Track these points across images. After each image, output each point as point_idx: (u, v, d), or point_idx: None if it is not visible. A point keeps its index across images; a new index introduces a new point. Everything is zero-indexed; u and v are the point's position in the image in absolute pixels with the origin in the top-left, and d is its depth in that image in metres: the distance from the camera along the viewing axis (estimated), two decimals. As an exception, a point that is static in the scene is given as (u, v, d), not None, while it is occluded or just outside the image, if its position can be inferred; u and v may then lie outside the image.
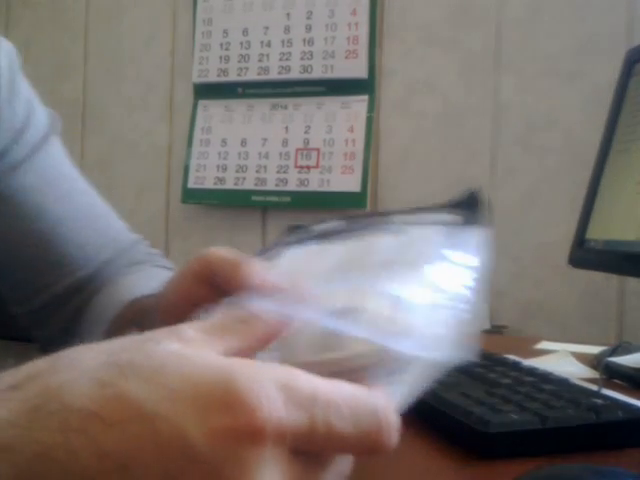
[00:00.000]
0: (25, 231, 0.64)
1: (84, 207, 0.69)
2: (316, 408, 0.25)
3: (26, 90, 0.67)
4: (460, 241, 0.38)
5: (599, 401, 0.50)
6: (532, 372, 0.59)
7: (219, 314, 0.29)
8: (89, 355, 0.26)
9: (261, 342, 0.29)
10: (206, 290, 0.40)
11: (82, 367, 0.25)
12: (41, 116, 0.68)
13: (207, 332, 0.28)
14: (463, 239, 0.38)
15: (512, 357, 0.69)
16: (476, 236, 0.39)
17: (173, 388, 0.24)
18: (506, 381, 0.55)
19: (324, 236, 0.44)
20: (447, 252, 0.37)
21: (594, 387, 0.58)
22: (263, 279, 0.36)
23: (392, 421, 0.27)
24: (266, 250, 0.43)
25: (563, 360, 0.80)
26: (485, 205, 0.43)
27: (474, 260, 0.37)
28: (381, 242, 0.39)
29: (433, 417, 0.51)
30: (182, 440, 0.23)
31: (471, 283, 0.37)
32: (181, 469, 0.23)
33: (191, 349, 0.26)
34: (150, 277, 0.67)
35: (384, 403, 0.27)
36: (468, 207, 0.42)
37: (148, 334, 0.27)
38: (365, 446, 0.26)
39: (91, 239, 0.67)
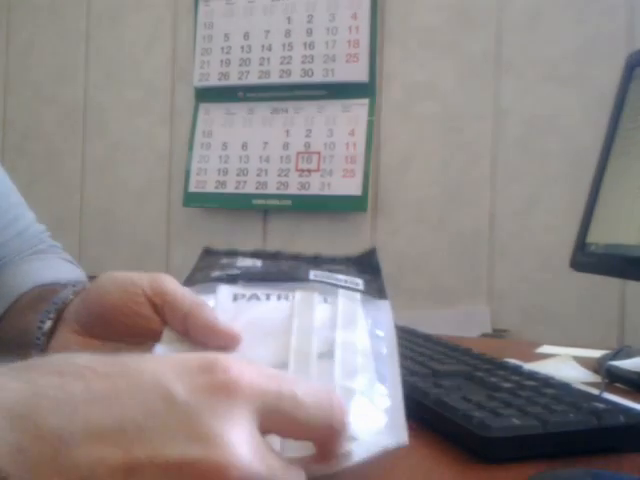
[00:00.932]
0: None
1: None
2: (283, 380, 0.29)
3: None
4: (374, 312, 0.45)
5: (600, 405, 0.50)
6: (533, 376, 0.59)
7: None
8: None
9: None
10: (148, 312, 0.44)
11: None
12: None
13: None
14: (376, 310, 0.45)
15: (513, 361, 0.69)
16: (385, 308, 0.45)
17: (160, 360, 0.28)
18: (507, 385, 0.55)
19: (249, 278, 0.48)
20: (365, 322, 0.43)
21: (595, 391, 0.58)
22: (212, 329, 0.41)
23: (343, 404, 0.31)
24: (193, 280, 0.49)
25: (564, 364, 0.80)
26: (380, 265, 0.51)
27: (386, 331, 0.43)
28: (310, 309, 0.44)
29: (434, 421, 0.51)
30: (164, 389, 0.26)
31: (384, 351, 0.42)
32: (160, 412, 0.26)
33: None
34: (56, 266, 0.69)
35: (335, 393, 0.31)
36: (369, 265, 0.50)
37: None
38: (323, 422, 0.30)
39: (1, 227, 0.69)
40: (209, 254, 0.54)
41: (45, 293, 0.56)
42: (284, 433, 0.30)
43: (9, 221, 0.70)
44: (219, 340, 0.40)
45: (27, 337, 0.50)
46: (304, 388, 0.30)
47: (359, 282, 0.49)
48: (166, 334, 0.42)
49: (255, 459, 0.27)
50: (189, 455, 0.25)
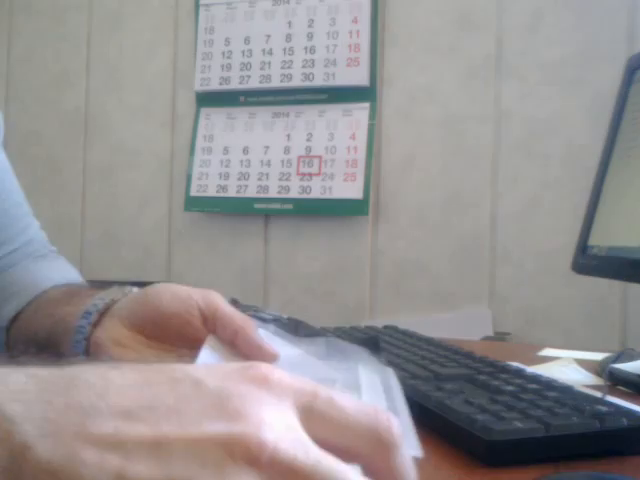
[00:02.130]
0: None
1: (10, 206, 0.73)
2: (320, 387, 0.27)
3: None
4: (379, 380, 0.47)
5: (603, 408, 0.49)
6: (536, 379, 0.59)
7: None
8: None
9: None
10: (198, 323, 0.50)
11: None
12: None
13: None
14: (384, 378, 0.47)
15: (515, 364, 0.69)
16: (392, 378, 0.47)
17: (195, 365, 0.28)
18: (510, 388, 0.55)
19: (278, 326, 0.54)
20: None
21: (598, 394, 0.58)
22: (258, 346, 0.47)
23: (390, 416, 0.28)
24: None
25: (567, 367, 0.80)
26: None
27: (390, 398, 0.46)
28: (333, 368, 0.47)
29: (437, 424, 0.51)
30: (195, 378, 0.26)
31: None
32: (190, 395, 0.25)
33: None
34: (67, 268, 0.75)
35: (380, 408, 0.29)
36: (372, 349, 0.52)
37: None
38: (367, 428, 0.27)
39: (10, 236, 0.72)
40: (235, 304, 0.60)
41: (74, 290, 0.63)
42: (323, 436, 0.26)
43: (21, 229, 0.74)
44: (263, 356, 0.46)
45: (65, 325, 0.56)
46: (343, 396, 0.28)
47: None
48: (210, 338, 0.48)
49: (296, 443, 0.25)
50: (221, 431, 0.24)
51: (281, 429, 0.25)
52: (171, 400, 0.25)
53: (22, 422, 0.24)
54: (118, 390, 0.25)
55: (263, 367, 0.27)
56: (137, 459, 0.24)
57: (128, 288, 0.58)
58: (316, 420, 0.26)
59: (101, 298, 0.56)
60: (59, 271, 0.72)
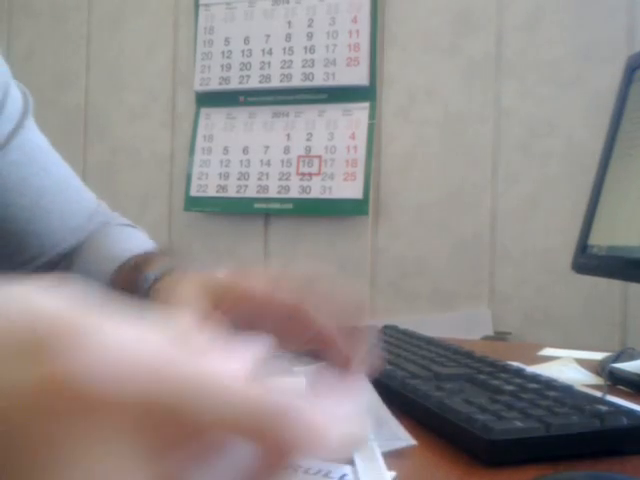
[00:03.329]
0: (10, 205, 0.66)
1: (61, 179, 0.72)
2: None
3: (2, 67, 0.68)
4: None
5: (603, 408, 0.49)
6: (536, 379, 0.59)
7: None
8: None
9: None
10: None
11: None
12: (16, 93, 0.69)
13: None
14: None
15: (516, 364, 0.69)
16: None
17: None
18: (510, 388, 0.55)
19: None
20: None
21: (598, 394, 0.58)
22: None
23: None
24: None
25: (567, 367, 0.80)
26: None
27: None
28: None
29: (436, 424, 0.51)
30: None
31: None
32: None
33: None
34: (134, 236, 0.72)
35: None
36: None
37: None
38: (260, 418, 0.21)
39: (70, 209, 0.71)
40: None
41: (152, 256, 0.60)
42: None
43: (77, 205, 0.72)
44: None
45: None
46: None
47: None
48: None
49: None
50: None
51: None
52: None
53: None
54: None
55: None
56: None
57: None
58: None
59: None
60: (129, 239, 0.71)
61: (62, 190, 0.71)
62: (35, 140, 0.71)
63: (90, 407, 0.20)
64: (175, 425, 0.21)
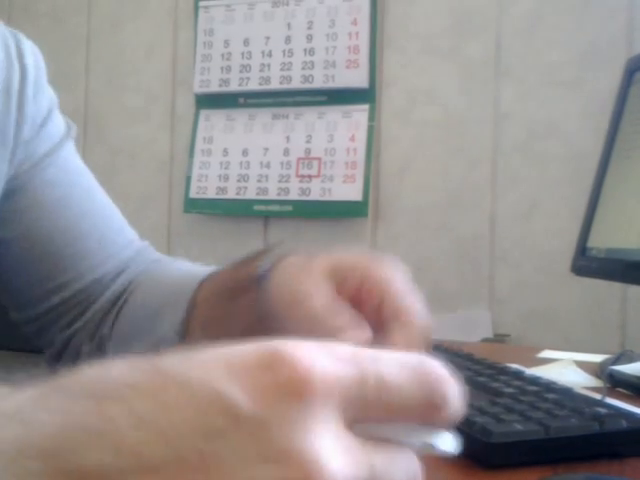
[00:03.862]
0: (45, 226, 0.64)
1: (102, 205, 0.70)
2: (363, 360, 0.23)
3: (48, 89, 0.69)
4: None
5: (603, 410, 0.49)
6: (535, 381, 0.59)
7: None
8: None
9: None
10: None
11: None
12: (59, 117, 0.70)
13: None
14: None
15: (515, 366, 0.69)
16: None
17: (209, 357, 0.22)
18: (509, 390, 0.55)
19: None
20: None
21: (598, 396, 0.58)
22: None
23: (440, 370, 0.25)
24: None
25: (566, 369, 0.80)
26: None
27: None
28: None
29: (436, 427, 0.51)
30: (223, 400, 0.21)
31: None
32: (223, 431, 0.21)
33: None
34: (189, 265, 0.69)
35: (428, 360, 0.25)
36: None
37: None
38: (421, 400, 0.24)
39: (110, 236, 0.68)
40: None
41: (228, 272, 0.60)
42: (378, 420, 0.24)
43: (117, 232, 0.69)
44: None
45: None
46: (390, 363, 0.24)
47: None
48: None
49: (347, 464, 0.22)
50: (268, 479, 0.20)
51: (337, 453, 0.21)
52: (199, 440, 0.20)
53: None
54: (133, 435, 0.20)
55: (288, 364, 0.21)
56: None
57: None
58: (369, 408, 0.23)
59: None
60: (192, 267, 0.68)
61: (103, 216, 0.68)
62: (75, 163, 0.69)
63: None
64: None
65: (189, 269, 0.67)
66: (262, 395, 0.21)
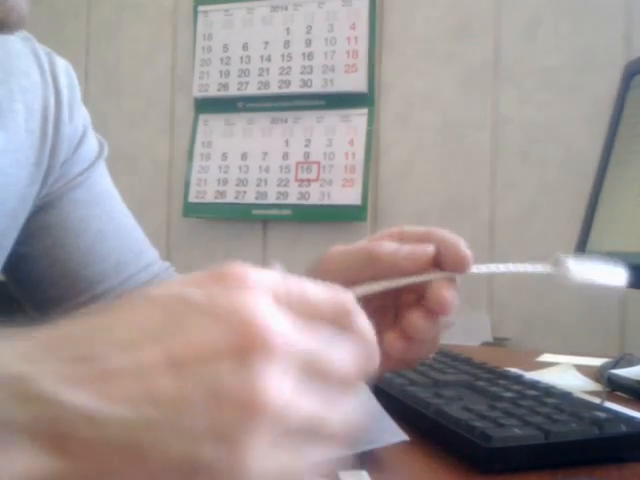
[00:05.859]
0: (66, 245, 0.65)
1: (122, 226, 0.71)
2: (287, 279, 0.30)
3: (82, 108, 0.68)
4: None
5: (602, 415, 0.49)
6: (535, 385, 0.59)
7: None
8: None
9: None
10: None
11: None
12: (93, 137, 0.70)
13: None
14: None
15: (514, 370, 0.69)
16: None
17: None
18: (509, 395, 0.55)
19: None
20: None
21: (597, 400, 0.58)
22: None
23: (355, 308, 0.31)
24: None
25: (566, 373, 0.80)
26: None
27: None
28: None
29: (436, 432, 0.51)
30: (180, 299, 0.27)
31: None
32: (184, 315, 0.27)
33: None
34: None
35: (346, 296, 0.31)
36: None
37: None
38: (334, 306, 0.30)
39: (127, 259, 0.69)
40: None
41: None
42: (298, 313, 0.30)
43: (135, 255, 0.70)
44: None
45: None
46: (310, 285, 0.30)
47: None
48: None
49: (288, 332, 0.27)
50: (229, 337, 0.26)
51: (278, 318, 0.27)
52: (171, 324, 0.26)
53: (38, 379, 0.25)
54: (119, 327, 0.26)
55: (235, 267, 0.29)
56: (159, 379, 0.25)
57: None
58: (292, 305, 0.29)
59: None
60: None
61: (122, 237, 0.69)
62: (103, 184, 0.70)
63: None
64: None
65: None
66: (212, 289, 0.27)
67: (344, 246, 0.48)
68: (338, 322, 0.30)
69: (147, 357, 0.25)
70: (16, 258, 0.64)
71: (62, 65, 0.66)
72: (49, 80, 0.64)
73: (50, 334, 0.27)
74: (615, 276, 0.38)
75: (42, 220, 0.64)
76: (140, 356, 0.25)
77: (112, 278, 0.67)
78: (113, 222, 0.69)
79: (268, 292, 0.28)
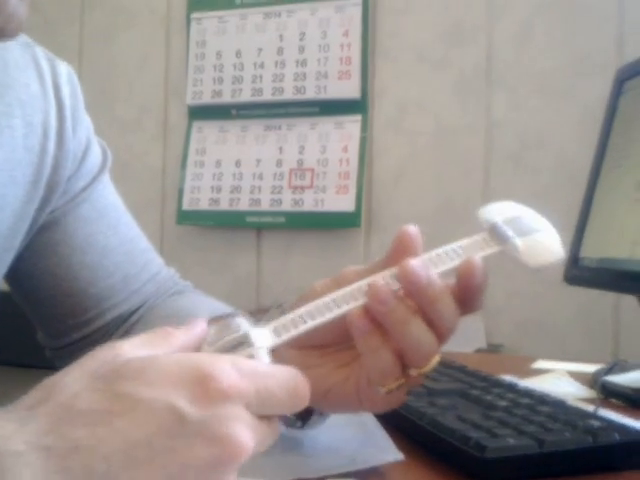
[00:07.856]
0: (72, 264, 0.64)
1: (128, 239, 0.69)
2: (258, 377, 0.34)
3: (85, 116, 0.67)
4: None
5: (596, 423, 0.49)
6: (529, 394, 0.59)
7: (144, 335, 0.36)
8: (75, 376, 0.33)
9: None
10: None
11: (78, 385, 0.32)
12: (96, 146, 0.68)
13: (142, 345, 0.35)
14: None
15: (508, 378, 0.69)
16: None
17: (156, 379, 0.32)
18: (503, 403, 0.55)
19: None
20: None
21: (591, 408, 0.57)
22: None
23: (304, 383, 0.35)
24: None
25: (560, 380, 0.79)
26: None
27: None
28: None
29: (430, 441, 0.51)
30: (176, 413, 0.31)
31: None
32: (181, 434, 0.31)
33: (152, 352, 0.34)
34: (209, 301, 0.68)
35: (296, 373, 0.35)
36: None
37: (104, 350, 0.34)
38: (289, 398, 0.35)
39: (134, 273, 0.68)
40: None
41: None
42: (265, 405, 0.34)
43: (141, 267, 0.69)
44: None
45: None
46: (272, 379, 0.34)
47: None
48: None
49: (252, 436, 0.32)
50: (213, 454, 0.31)
51: (246, 431, 0.32)
52: (164, 437, 0.31)
53: None
54: (118, 425, 0.31)
55: (215, 377, 0.32)
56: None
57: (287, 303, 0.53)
58: (261, 403, 0.33)
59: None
60: (209, 303, 0.67)
61: (128, 251, 0.68)
62: (108, 197, 0.69)
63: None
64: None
65: (200, 306, 0.66)
66: (201, 403, 0.31)
67: (328, 280, 0.48)
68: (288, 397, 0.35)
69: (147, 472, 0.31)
70: (22, 276, 0.63)
71: (64, 73, 0.64)
72: (50, 92, 0.62)
73: None
74: (553, 244, 0.39)
75: (47, 238, 0.63)
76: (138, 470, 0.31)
77: (119, 293, 0.66)
78: (118, 236, 0.68)
79: (244, 407, 0.33)
